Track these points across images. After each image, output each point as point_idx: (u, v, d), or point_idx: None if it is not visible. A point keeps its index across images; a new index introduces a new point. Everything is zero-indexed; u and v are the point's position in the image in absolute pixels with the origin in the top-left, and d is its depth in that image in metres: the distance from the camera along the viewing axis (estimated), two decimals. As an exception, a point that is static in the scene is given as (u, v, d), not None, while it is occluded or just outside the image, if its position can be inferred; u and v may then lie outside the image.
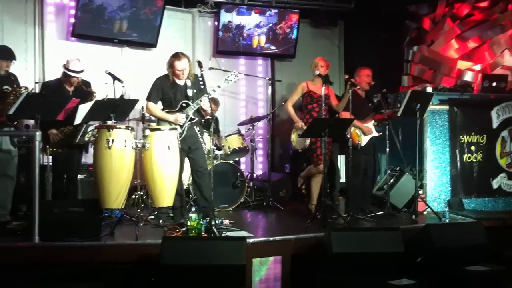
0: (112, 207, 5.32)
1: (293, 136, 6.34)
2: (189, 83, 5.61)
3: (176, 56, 5.54)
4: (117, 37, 7.57)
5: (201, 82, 5.66)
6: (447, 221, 5.87)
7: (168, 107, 5.65)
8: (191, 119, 5.60)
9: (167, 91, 5.62)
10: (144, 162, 5.58)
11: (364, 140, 6.23)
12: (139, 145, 5.47)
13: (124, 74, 7.49)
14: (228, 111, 8.22)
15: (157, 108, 5.67)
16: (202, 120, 5.82)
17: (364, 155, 6.24)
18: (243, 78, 8.29)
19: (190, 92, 5.54)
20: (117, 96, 5.85)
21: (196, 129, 5.43)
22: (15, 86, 5.40)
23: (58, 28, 7.33)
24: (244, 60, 8.64)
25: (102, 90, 6.08)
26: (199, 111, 5.66)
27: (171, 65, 5.56)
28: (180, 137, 5.58)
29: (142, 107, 6.02)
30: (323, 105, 6.06)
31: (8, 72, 5.48)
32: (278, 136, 8.59)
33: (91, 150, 5.73)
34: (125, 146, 5.39)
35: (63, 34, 7.35)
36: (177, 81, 5.63)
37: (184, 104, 5.60)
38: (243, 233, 5.06)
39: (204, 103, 5.55)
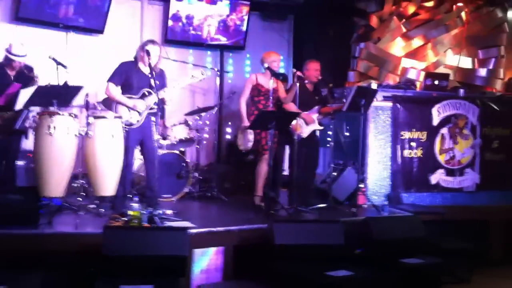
0: (52, 195, 5.22)
1: (239, 136, 6.33)
2: (153, 73, 5.55)
3: (152, 40, 5.70)
4: (63, 22, 7.36)
5: (164, 72, 5.71)
6: (386, 214, 6.03)
7: (128, 92, 5.64)
8: (151, 108, 5.56)
9: (130, 76, 5.60)
10: (87, 150, 5.50)
11: (305, 132, 6.29)
12: (82, 133, 5.39)
13: (69, 60, 7.31)
14: (175, 100, 8.13)
15: (118, 91, 5.64)
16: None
17: (306, 148, 6.30)
18: (192, 68, 8.22)
19: (153, 82, 5.48)
20: (61, 82, 5.73)
21: (152, 119, 5.42)
22: None
23: (1, 10, 7.08)
24: (193, 50, 8.57)
25: (46, 76, 5.93)
26: (161, 102, 5.60)
27: (142, 49, 5.58)
28: (136, 123, 5.55)
29: (87, 94, 5.92)
30: (270, 98, 6.08)
31: None
32: (225, 127, 8.59)
33: (31, 136, 5.60)
34: (67, 133, 5.31)
35: (6, 17, 7.10)
36: (142, 68, 5.61)
37: (146, 92, 5.56)
38: (185, 224, 5.04)
39: (167, 94, 5.55)
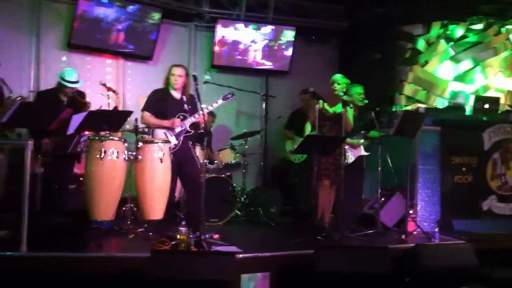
0: (101, 219, 5.31)
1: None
2: (185, 98, 5.70)
3: (175, 64, 5.82)
4: (113, 49, 7.58)
5: (195, 97, 5.74)
6: (437, 241, 5.87)
7: (163, 119, 5.73)
8: (187, 132, 5.66)
9: (163, 103, 5.70)
10: (136, 174, 5.58)
11: (351, 158, 6.24)
12: (131, 157, 5.48)
13: (119, 86, 7.51)
14: (221, 125, 8.22)
15: (152, 116, 5.75)
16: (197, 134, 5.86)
17: (351, 174, 6.22)
18: (237, 93, 8.29)
19: (186, 107, 5.59)
20: (111, 108, 5.86)
21: (189, 143, 5.52)
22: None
23: (54, 37, 7.32)
24: (239, 75, 8.65)
25: (97, 101, 6.08)
26: (195, 125, 5.70)
27: (169, 72, 5.74)
28: (174, 149, 5.61)
29: (136, 119, 6.04)
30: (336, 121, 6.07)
31: None
32: (271, 152, 8.59)
33: (83, 160, 5.73)
34: (117, 157, 5.41)
35: (59, 44, 7.35)
36: (174, 94, 5.71)
37: (181, 117, 5.64)
38: (232, 248, 5.04)
39: (200, 117, 5.57)
